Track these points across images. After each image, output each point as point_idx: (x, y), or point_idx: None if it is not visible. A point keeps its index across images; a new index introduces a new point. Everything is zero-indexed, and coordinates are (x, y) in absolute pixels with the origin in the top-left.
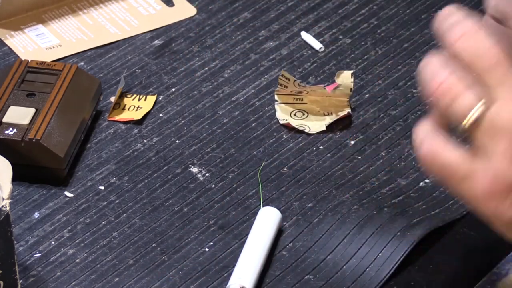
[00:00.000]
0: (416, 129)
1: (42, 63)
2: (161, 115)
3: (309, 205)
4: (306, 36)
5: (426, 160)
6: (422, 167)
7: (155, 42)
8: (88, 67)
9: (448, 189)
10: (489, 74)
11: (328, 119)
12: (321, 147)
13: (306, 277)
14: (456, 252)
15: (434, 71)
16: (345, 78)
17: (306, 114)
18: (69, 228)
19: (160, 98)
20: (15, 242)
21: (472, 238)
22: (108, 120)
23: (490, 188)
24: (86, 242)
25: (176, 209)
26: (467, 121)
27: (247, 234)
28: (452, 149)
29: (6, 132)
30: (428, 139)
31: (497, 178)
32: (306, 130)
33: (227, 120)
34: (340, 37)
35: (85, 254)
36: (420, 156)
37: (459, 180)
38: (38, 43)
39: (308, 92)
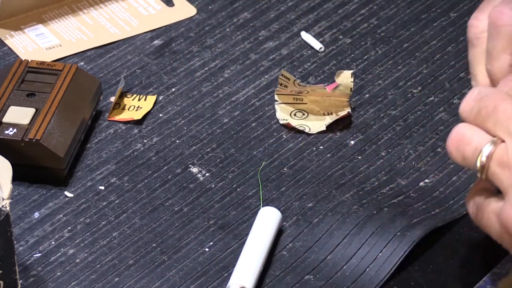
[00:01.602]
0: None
1: (42, 63)
2: (161, 115)
3: (309, 205)
4: (306, 36)
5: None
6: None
7: (155, 42)
8: (88, 67)
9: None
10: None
11: (328, 119)
12: (321, 147)
13: (306, 277)
14: (456, 252)
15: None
16: (345, 77)
17: (306, 114)
18: (69, 228)
19: (160, 98)
20: (15, 242)
21: (472, 238)
22: (108, 120)
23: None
24: (86, 242)
25: (176, 209)
26: (479, 162)
27: (247, 234)
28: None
29: (6, 132)
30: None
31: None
32: (306, 130)
33: (227, 120)
34: (340, 37)
35: (85, 254)
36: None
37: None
38: (38, 43)
39: (308, 92)
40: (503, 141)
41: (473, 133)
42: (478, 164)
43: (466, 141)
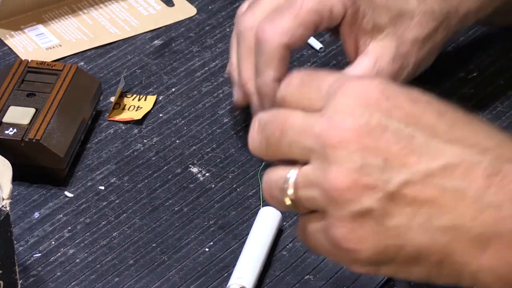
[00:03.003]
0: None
1: (42, 63)
2: (161, 115)
3: None
4: None
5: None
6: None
7: (155, 42)
8: (88, 67)
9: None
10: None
11: None
12: None
13: (306, 277)
14: None
15: None
16: None
17: None
18: (69, 228)
19: (160, 98)
20: (15, 242)
21: None
22: (108, 120)
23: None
24: (86, 242)
25: (176, 209)
26: (288, 200)
27: (247, 234)
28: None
29: (6, 132)
30: None
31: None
32: None
33: (227, 120)
34: None
35: (85, 254)
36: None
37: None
38: (38, 43)
39: None
40: (305, 164)
41: (277, 174)
42: (288, 202)
43: (273, 184)
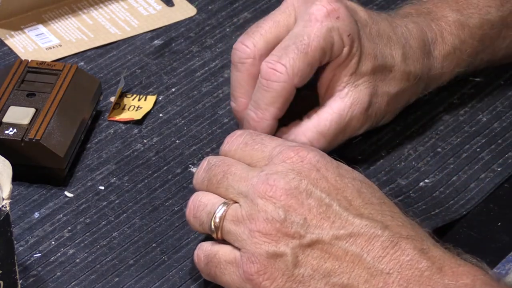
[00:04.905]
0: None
1: (42, 63)
2: (161, 115)
3: None
4: None
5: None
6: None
7: (155, 42)
8: (88, 67)
9: None
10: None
11: None
12: None
13: None
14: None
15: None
16: None
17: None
18: (69, 228)
19: (160, 98)
20: (15, 242)
21: (472, 238)
22: (108, 120)
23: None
24: (86, 242)
25: (176, 209)
26: (213, 223)
27: None
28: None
29: (6, 132)
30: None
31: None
32: None
33: (227, 120)
34: None
35: (85, 254)
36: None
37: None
38: (38, 43)
39: None
40: (236, 202)
41: (207, 198)
42: (212, 226)
43: (202, 207)
